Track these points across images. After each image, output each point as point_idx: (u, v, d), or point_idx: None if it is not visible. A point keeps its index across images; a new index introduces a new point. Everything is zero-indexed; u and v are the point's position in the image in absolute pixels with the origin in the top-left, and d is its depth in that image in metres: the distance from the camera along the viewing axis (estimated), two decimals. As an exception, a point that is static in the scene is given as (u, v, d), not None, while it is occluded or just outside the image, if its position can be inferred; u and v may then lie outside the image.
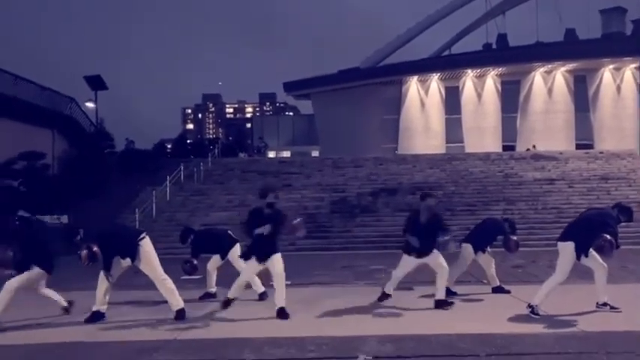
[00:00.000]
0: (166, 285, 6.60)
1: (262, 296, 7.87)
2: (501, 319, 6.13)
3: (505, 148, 35.04)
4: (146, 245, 6.54)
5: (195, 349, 5.15)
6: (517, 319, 6.13)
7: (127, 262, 6.51)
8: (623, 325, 5.51)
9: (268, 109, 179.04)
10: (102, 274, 6.48)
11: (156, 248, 6.75)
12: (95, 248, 6.00)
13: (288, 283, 9.74)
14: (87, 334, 5.90)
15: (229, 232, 8.81)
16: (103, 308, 6.60)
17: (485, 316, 6.46)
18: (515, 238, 8.19)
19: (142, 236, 6.56)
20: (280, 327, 6.01)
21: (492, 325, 5.83)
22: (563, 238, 6.47)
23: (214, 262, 8.27)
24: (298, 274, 11.17)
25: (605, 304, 6.52)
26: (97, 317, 6.51)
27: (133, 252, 6.43)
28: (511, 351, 4.84)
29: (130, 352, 4.98)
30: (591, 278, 6.60)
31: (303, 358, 4.74)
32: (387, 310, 6.07)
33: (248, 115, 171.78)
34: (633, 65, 36.13)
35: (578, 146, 33.92)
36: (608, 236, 6.20)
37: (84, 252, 5.95)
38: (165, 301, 6.71)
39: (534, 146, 32.85)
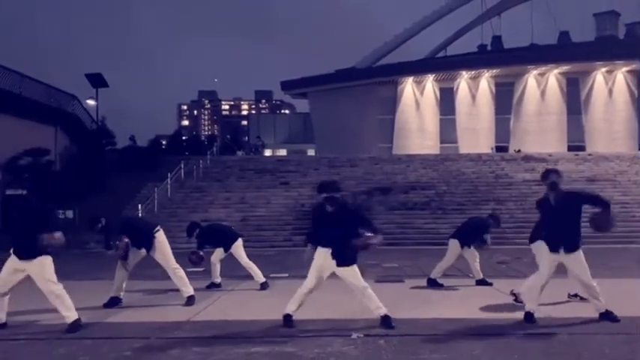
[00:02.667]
0: (178, 274, 7.26)
1: (264, 286, 8.54)
2: (481, 307, 6.82)
3: (498, 149, 35.72)
4: (160, 237, 7.21)
5: (208, 328, 5.79)
6: (494, 307, 6.82)
7: (143, 252, 7.19)
8: (587, 312, 6.16)
9: (264, 106, 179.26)
10: (120, 262, 7.14)
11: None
12: (126, 239, 6.67)
13: (286, 275, 10.46)
14: (107, 316, 6.54)
15: (232, 227, 9.48)
16: (121, 294, 7.25)
17: (467, 304, 7.13)
18: (489, 237, 8.76)
19: (156, 229, 7.23)
20: (281, 311, 6.65)
21: (472, 312, 6.53)
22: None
23: (218, 254, 8.86)
24: (297, 267, 11.86)
25: (575, 295, 7.20)
26: (114, 302, 7.16)
27: (148, 243, 7.10)
28: (486, 332, 5.51)
29: (152, 330, 5.62)
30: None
31: (303, 335, 5.40)
32: (380, 299, 6.66)
33: (244, 113, 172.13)
34: (625, 68, 36.80)
35: (570, 148, 34.52)
36: None
37: (120, 245, 6.64)
38: (176, 290, 7.37)
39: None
